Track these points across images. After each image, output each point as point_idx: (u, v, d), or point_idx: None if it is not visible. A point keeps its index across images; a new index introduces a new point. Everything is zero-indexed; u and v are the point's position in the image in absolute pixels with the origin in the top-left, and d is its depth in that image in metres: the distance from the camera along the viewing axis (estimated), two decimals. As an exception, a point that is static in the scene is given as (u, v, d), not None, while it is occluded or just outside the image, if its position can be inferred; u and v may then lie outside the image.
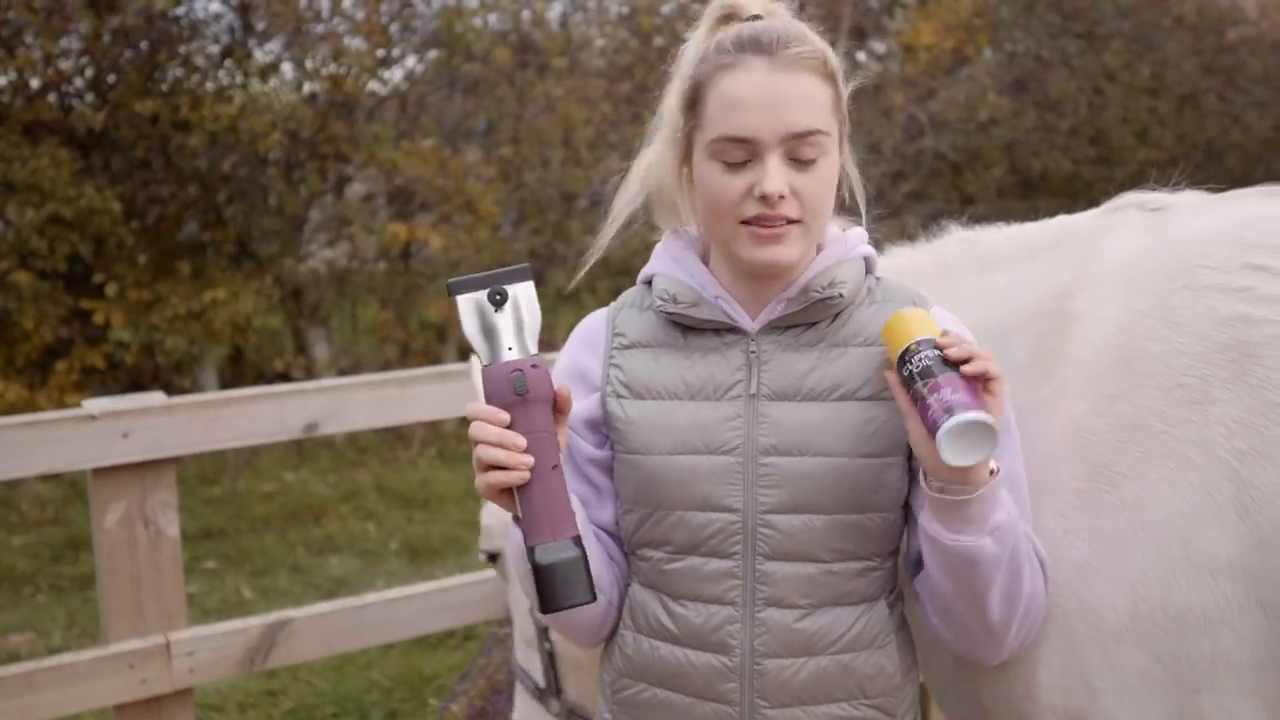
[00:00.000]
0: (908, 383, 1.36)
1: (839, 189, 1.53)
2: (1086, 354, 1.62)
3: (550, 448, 1.35)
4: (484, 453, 1.33)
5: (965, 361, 1.34)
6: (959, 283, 1.84)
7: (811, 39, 1.45)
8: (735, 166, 1.41)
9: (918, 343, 1.37)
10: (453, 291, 1.38)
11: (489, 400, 1.36)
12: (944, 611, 1.50)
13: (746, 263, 1.45)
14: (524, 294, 1.39)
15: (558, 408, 1.38)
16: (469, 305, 1.37)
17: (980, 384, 1.34)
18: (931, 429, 1.32)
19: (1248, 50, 10.20)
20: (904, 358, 1.37)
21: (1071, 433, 1.59)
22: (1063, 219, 1.85)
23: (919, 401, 1.35)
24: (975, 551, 1.38)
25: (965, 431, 1.30)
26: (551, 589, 1.32)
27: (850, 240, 1.54)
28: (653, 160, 1.61)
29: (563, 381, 1.56)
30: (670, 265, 1.56)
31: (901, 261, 1.93)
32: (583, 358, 1.58)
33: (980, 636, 1.49)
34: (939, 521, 1.39)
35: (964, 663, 1.67)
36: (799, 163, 1.41)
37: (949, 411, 1.31)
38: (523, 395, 1.34)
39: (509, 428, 1.34)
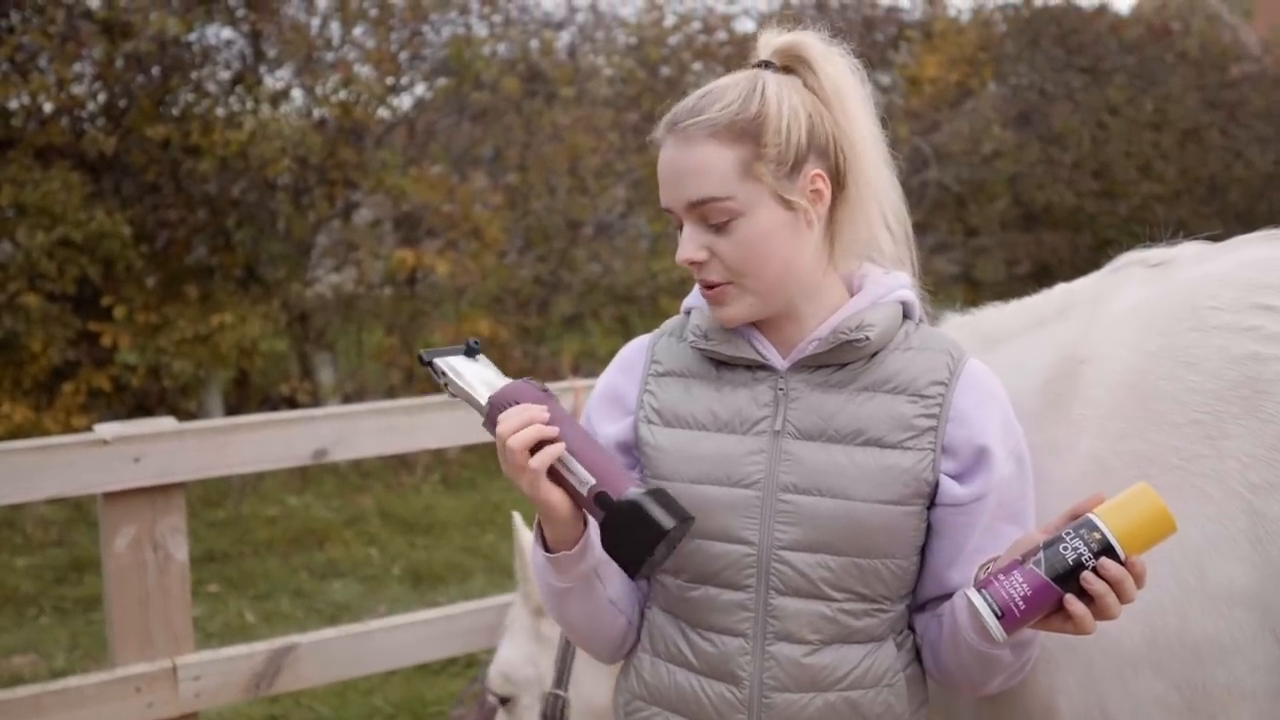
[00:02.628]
0: (1056, 542, 1.32)
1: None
2: (1100, 394, 1.66)
3: (575, 426, 1.42)
4: (514, 441, 1.37)
5: (1083, 590, 1.31)
6: None
7: (727, 99, 1.45)
8: (680, 232, 1.50)
9: (1103, 535, 1.30)
10: (425, 359, 1.47)
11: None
12: (939, 667, 1.55)
13: None
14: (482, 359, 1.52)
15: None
16: (450, 364, 1.47)
17: (1058, 611, 1.33)
18: (984, 587, 1.34)
19: (1250, 86, 10.27)
20: (1082, 526, 1.32)
21: (1090, 471, 1.62)
22: (1065, 286, 1.89)
23: (1025, 559, 1.33)
24: (991, 658, 1.43)
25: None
26: (664, 508, 1.35)
27: (889, 284, 1.54)
28: None
29: (600, 403, 1.62)
30: None
31: None
32: (620, 382, 1.61)
33: (964, 691, 1.55)
34: (970, 624, 1.42)
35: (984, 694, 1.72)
36: (713, 227, 1.46)
37: (1001, 604, 1.31)
38: (546, 390, 1.43)
39: None
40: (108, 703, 2.57)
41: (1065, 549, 1.31)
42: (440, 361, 1.48)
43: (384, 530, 5.88)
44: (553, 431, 1.39)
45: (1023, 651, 1.46)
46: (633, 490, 1.37)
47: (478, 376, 1.48)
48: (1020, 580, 1.32)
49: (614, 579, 1.55)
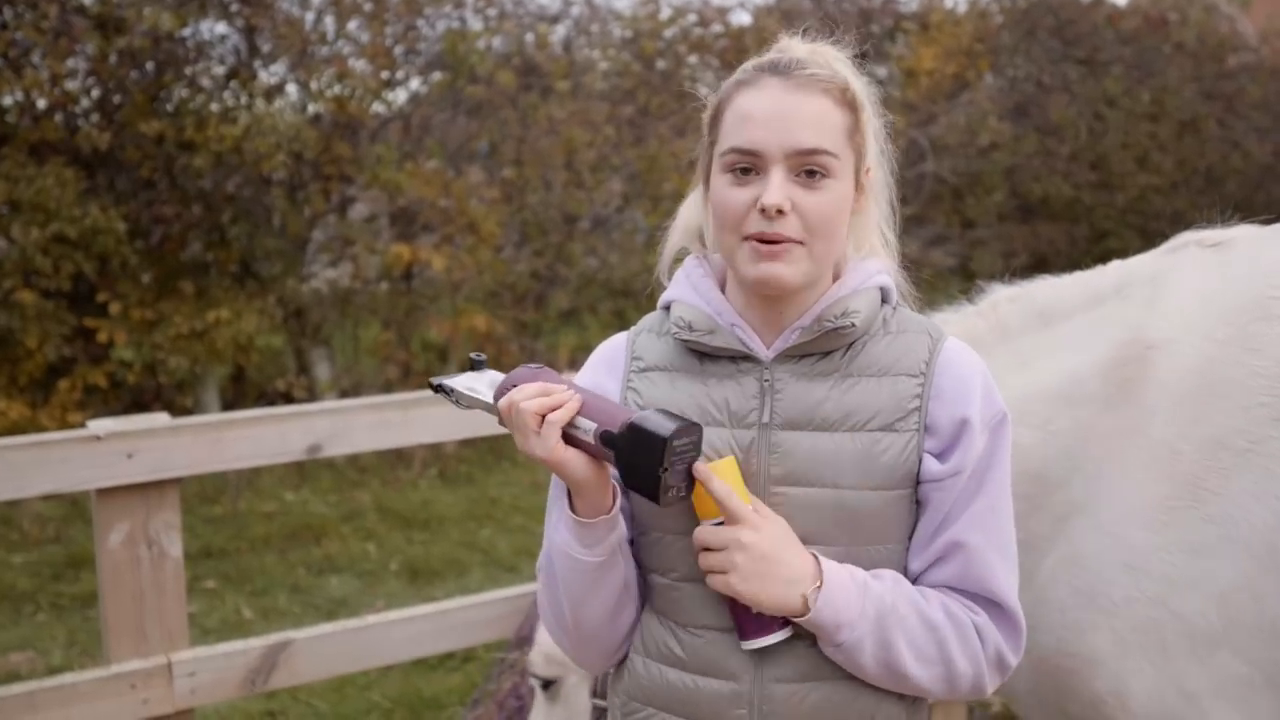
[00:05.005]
0: None
1: (867, 230, 1.54)
2: (1171, 380, 1.74)
3: (576, 386, 1.47)
4: (528, 405, 1.41)
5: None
6: (1022, 339, 1.92)
7: (834, 66, 1.48)
8: (743, 180, 1.44)
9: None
10: (434, 385, 1.56)
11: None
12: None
13: (747, 279, 1.46)
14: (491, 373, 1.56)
15: None
16: (462, 382, 1.55)
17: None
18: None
19: (1248, 76, 10.26)
20: None
21: (1160, 455, 1.70)
22: (1120, 263, 1.95)
23: None
24: (833, 652, 1.45)
25: None
26: (661, 419, 1.39)
27: (867, 270, 1.54)
28: (692, 197, 1.65)
29: None
30: (689, 292, 1.56)
31: (954, 329, 1.97)
32: (601, 379, 1.59)
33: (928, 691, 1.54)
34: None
35: (1043, 673, 1.74)
36: (804, 181, 1.42)
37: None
38: (540, 367, 1.49)
39: None
40: (103, 699, 2.56)
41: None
42: (449, 382, 1.54)
43: (381, 525, 5.88)
44: (562, 398, 1.42)
45: (852, 652, 1.44)
46: (630, 417, 1.41)
47: (483, 382, 1.53)
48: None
49: (631, 562, 1.54)
